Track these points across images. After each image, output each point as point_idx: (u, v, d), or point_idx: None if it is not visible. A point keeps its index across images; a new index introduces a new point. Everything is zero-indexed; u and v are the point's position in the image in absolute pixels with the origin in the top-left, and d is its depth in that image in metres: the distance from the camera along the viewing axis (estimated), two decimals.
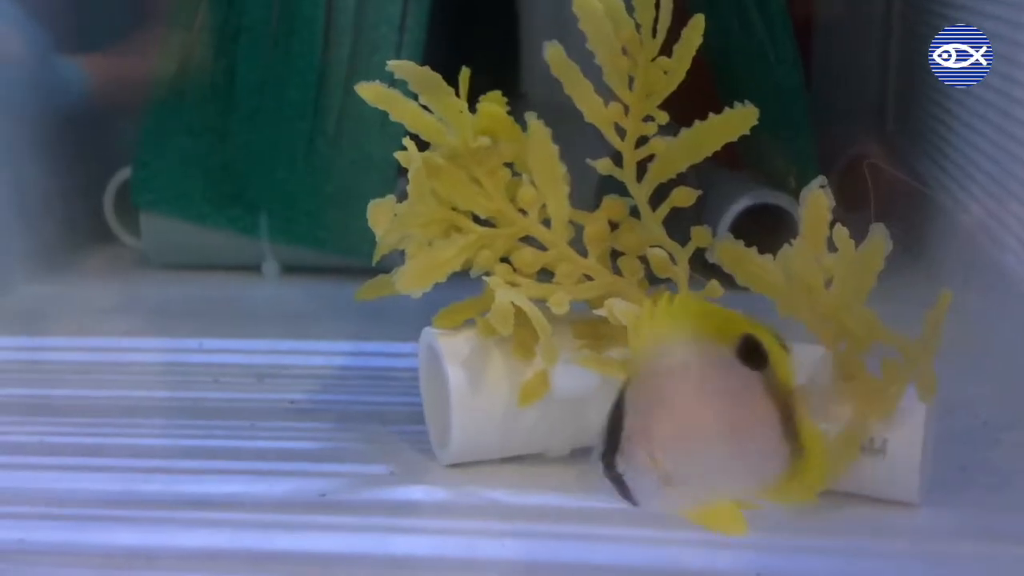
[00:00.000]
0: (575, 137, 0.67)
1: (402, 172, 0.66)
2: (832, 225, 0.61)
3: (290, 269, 1.03)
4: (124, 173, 1.07)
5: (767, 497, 0.52)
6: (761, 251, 0.65)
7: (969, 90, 0.95)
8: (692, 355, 0.51)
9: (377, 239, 0.66)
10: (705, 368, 0.51)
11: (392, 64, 0.64)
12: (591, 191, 0.75)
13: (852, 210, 0.70)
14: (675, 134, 0.66)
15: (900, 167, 1.10)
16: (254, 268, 1.03)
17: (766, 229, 0.98)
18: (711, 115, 0.65)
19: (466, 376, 0.66)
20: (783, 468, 0.51)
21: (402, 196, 0.65)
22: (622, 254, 0.67)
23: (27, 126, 1.03)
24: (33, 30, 1.01)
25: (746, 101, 0.64)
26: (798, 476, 0.51)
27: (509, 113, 0.66)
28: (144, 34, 1.07)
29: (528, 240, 0.67)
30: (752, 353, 0.51)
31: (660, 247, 0.67)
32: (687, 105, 0.66)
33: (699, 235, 0.66)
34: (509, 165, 0.67)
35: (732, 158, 0.96)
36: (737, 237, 0.65)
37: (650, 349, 0.51)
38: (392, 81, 0.65)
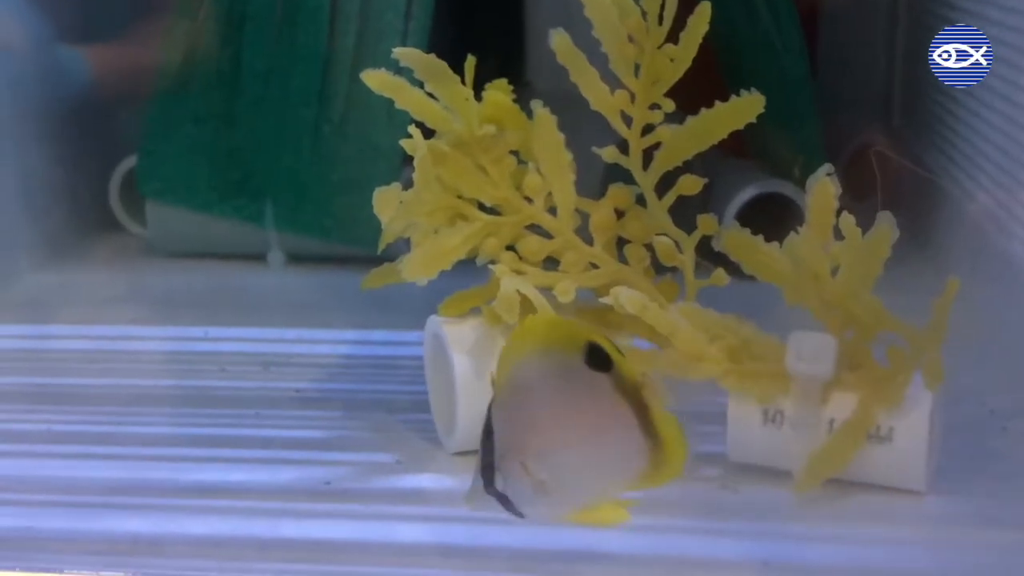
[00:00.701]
0: (581, 125, 0.67)
1: (408, 160, 0.66)
2: (839, 213, 0.61)
3: (295, 258, 1.03)
4: (129, 161, 1.07)
5: (637, 488, 0.54)
6: (767, 240, 0.65)
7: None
8: (545, 367, 0.53)
9: (383, 227, 0.66)
10: (558, 377, 0.53)
11: (398, 52, 0.64)
12: (597, 179, 0.75)
13: (858, 199, 0.70)
14: (681, 122, 0.66)
15: (906, 156, 1.10)
16: (260, 257, 1.03)
17: (772, 218, 0.98)
18: (717, 103, 0.65)
19: (472, 364, 0.66)
20: (646, 458, 0.54)
21: (408, 184, 0.65)
22: (628, 242, 0.67)
23: (32, 115, 1.03)
24: (34, 19, 1.01)
25: (752, 89, 0.64)
26: (662, 463, 0.54)
27: (515, 101, 0.66)
28: (147, 23, 1.07)
29: (534, 228, 0.67)
30: (597, 357, 0.53)
31: (666, 235, 0.67)
32: (693, 93, 0.66)
33: (705, 223, 0.66)
34: (515, 153, 0.67)
35: (738, 147, 0.96)
36: (743, 226, 0.65)
37: (508, 368, 0.53)
38: (398, 69, 0.65)
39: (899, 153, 1.10)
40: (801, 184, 0.96)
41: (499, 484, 0.52)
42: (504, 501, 0.53)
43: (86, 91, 1.06)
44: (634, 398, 0.53)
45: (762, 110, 0.64)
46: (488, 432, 0.53)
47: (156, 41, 1.04)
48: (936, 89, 1.08)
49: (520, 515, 0.53)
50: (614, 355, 0.53)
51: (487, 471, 0.53)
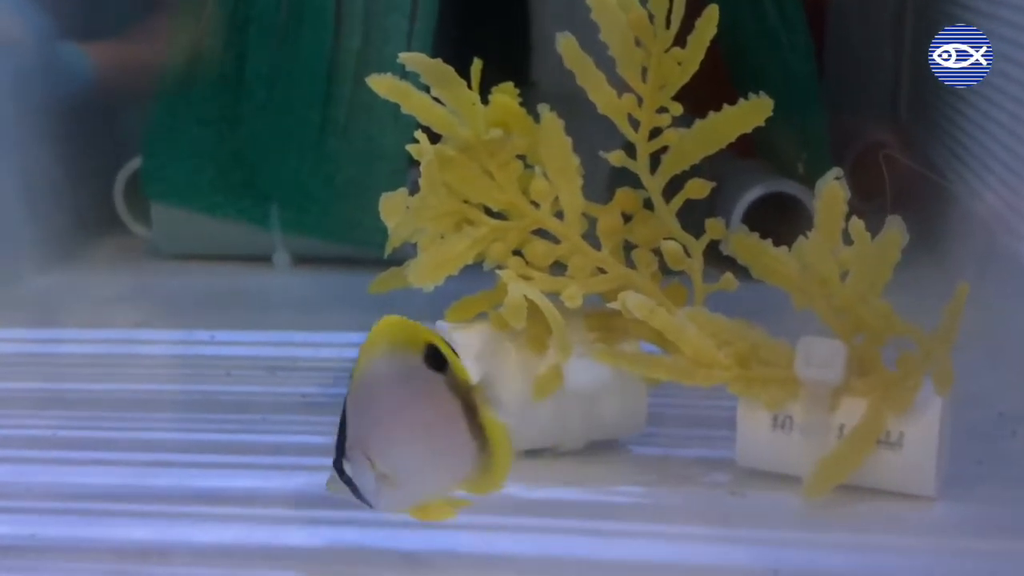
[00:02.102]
0: (587, 126, 0.67)
1: (413, 162, 0.65)
2: (847, 215, 0.61)
3: (300, 259, 1.03)
4: (134, 163, 1.07)
5: (466, 489, 0.56)
6: (774, 238, 0.64)
7: (983, 78, 0.94)
8: (391, 365, 0.55)
9: (389, 232, 0.65)
10: (401, 376, 0.55)
11: (404, 56, 0.64)
12: (602, 180, 0.75)
13: (865, 199, 0.70)
14: (688, 124, 0.65)
15: (914, 155, 1.10)
16: (265, 258, 1.03)
17: (779, 217, 0.98)
18: (725, 106, 0.64)
19: (479, 370, 0.65)
20: (474, 461, 0.55)
21: (413, 187, 0.65)
22: (635, 247, 0.67)
23: (36, 116, 1.03)
24: (36, 15, 1.01)
25: (761, 92, 0.64)
26: (488, 467, 0.56)
27: (520, 103, 0.66)
28: (151, 20, 1.06)
29: (541, 233, 0.67)
30: (435, 358, 0.55)
31: (674, 239, 0.66)
32: (698, 91, 0.66)
33: (713, 227, 0.66)
34: (522, 157, 0.66)
35: (744, 145, 0.95)
36: (749, 224, 0.65)
37: (362, 364, 0.55)
38: (403, 71, 0.65)
39: (906, 152, 1.09)
40: (807, 182, 0.97)
41: (348, 471, 0.55)
42: (354, 489, 0.56)
43: (88, 88, 1.06)
44: (466, 400, 0.55)
45: (770, 113, 0.64)
46: (342, 423, 0.56)
47: (160, 38, 1.03)
48: (943, 87, 1.07)
49: (368, 504, 0.56)
50: (449, 356, 0.55)
51: (338, 460, 0.56)
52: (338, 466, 0.56)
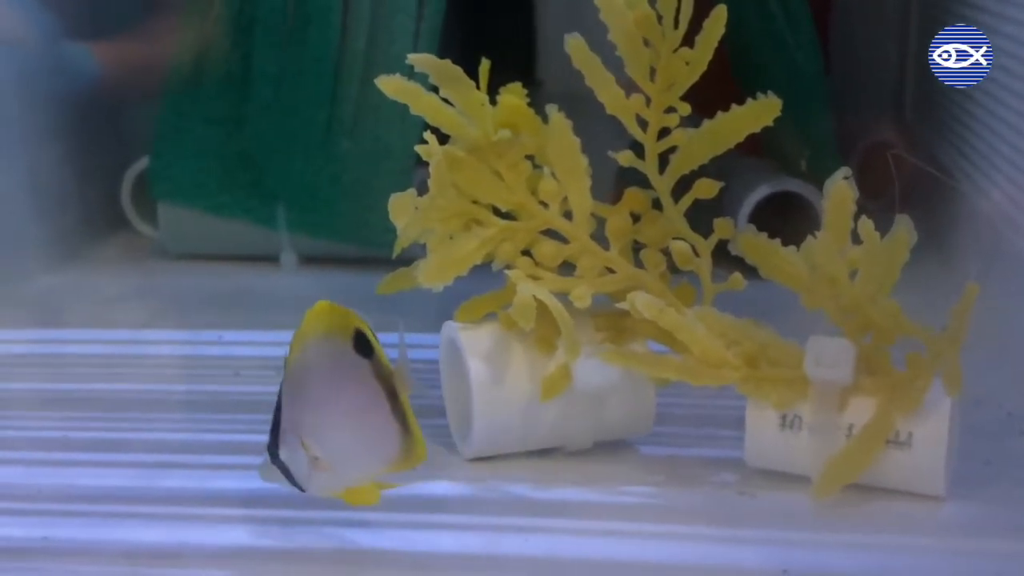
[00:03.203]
0: (593, 125, 0.67)
1: (420, 162, 0.65)
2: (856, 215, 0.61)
3: (308, 259, 1.03)
4: (141, 163, 1.07)
5: (391, 471, 0.58)
6: (781, 236, 0.64)
7: (989, 76, 0.94)
8: (323, 350, 0.57)
9: (398, 232, 0.66)
10: (332, 361, 0.57)
11: (412, 57, 0.64)
12: (610, 177, 0.75)
13: (872, 197, 0.70)
14: (696, 124, 0.65)
15: (919, 152, 1.10)
16: (272, 258, 1.03)
17: (786, 215, 0.98)
18: (734, 106, 0.64)
19: (488, 370, 0.66)
20: (398, 443, 0.58)
21: (420, 186, 0.65)
22: (644, 246, 0.67)
23: (43, 115, 1.03)
24: (41, 14, 1.01)
25: (769, 92, 0.64)
26: (409, 450, 0.58)
27: (528, 103, 0.66)
28: (158, 20, 1.07)
29: (550, 233, 0.67)
30: (362, 343, 0.58)
31: (683, 239, 0.66)
32: (705, 90, 0.66)
33: (722, 227, 0.66)
34: (530, 158, 0.66)
35: (751, 144, 0.95)
36: (756, 222, 0.65)
37: (297, 350, 0.57)
38: (411, 70, 0.65)
39: (912, 149, 1.09)
40: (814, 180, 0.97)
41: (283, 455, 0.57)
42: (287, 474, 0.57)
43: (94, 87, 1.06)
44: (387, 385, 0.58)
45: (778, 113, 0.64)
46: (277, 407, 0.57)
47: (167, 38, 1.04)
48: (949, 85, 1.07)
49: (301, 489, 0.57)
50: (374, 343, 0.58)
51: (273, 444, 0.57)
52: (273, 451, 0.57)
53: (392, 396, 0.58)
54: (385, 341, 0.84)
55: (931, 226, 0.99)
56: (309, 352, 0.57)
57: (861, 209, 0.62)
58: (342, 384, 0.57)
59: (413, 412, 0.59)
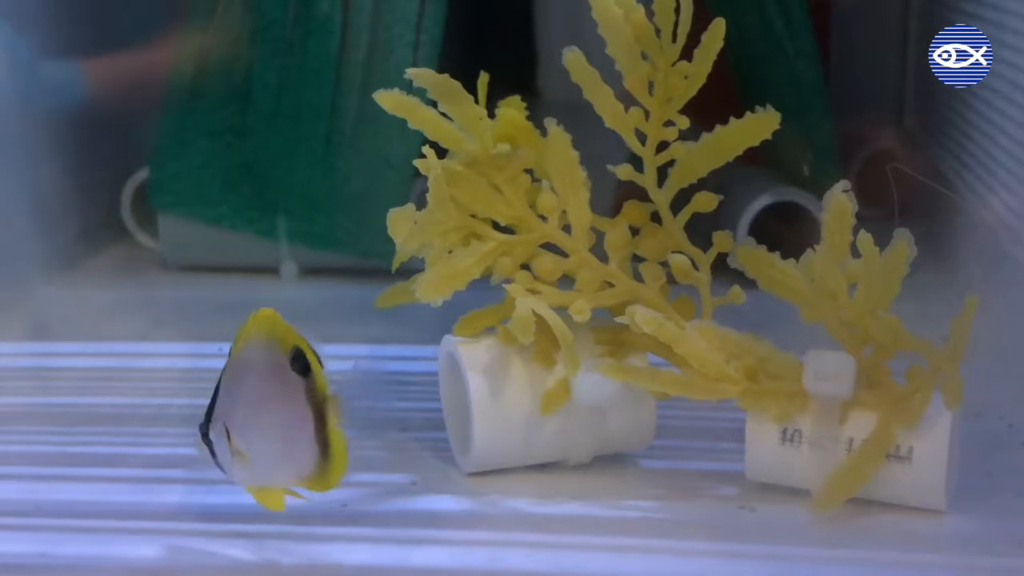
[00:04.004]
0: (592, 135, 0.67)
1: (419, 173, 0.65)
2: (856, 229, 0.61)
3: (307, 270, 1.03)
4: (142, 174, 1.07)
5: (303, 486, 0.60)
6: (781, 246, 0.64)
7: (991, 83, 0.94)
8: (266, 354, 0.59)
9: (397, 247, 0.65)
10: (267, 367, 0.59)
11: (411, 72, 0.64)
12: (608, 187, 0.75)
13: (872, 205, 0.70)
14: (695, 136, 0.65)
15: (920, 161, 1.10)
16: (272, 269, 1.03)
17: (786, 222, 0.98)
18: (732, 119, 0.64)
19: (487, 384, 0.65)
20: (313, 466, 0.60)
21: (419, 197, 0.65)
22: (643, 260, 0.67)
23: (43, 128, 1.03)
24: (14, 39, 1.00)
25: (768, 106, 0.64)
26: (323, 473, 0.60)
27: (527, 114, 0.66)
28: (157, 35, 1.07)
29: (549, 247, 0.67)
30: (300, 362, 0.60)
31: (682, 253, 0.66)
32: (705, 99, 0.66)
33: (721, 240, 0.66)
34: (529, 171, 0.66)
35: (751, 152, 0.95)
36: (756, 230, 0.65)
37: (242, 342, 0.60)
38: (410, 83, 0.65)
39: (912, 158, 1.09)
40: (815, 189, 0.97)
41: (212, 436, 0.59)
42: (212, 454, 0.60)
43: (82, 105, 1.06)
44: (318, 409, 0.60)
45: (777, 127, 0.64)
46: (216, 389, 0.60)
47: (165, 52, 1.04)
48: (949, 93, 1.07)
49: (222, 471, 0.60)
50: (314, 365, 0.60)
51: (205, 425, 0.60)
52: (203, 430, 0.60)
53: (320, 419, 0.60)
54: (388, 353, 0.86)
55: (931, 235, 0.99)
56: (253, 351, 0.59)
57: (861, 218, 0.62)
58: (273, 394, 0.59)
59: (343, 439, 0.60)
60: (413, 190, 0.97)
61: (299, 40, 0.99)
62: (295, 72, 0.99)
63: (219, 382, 0.60)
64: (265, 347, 0.59)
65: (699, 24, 0.63)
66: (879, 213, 0.69)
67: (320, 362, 0.60)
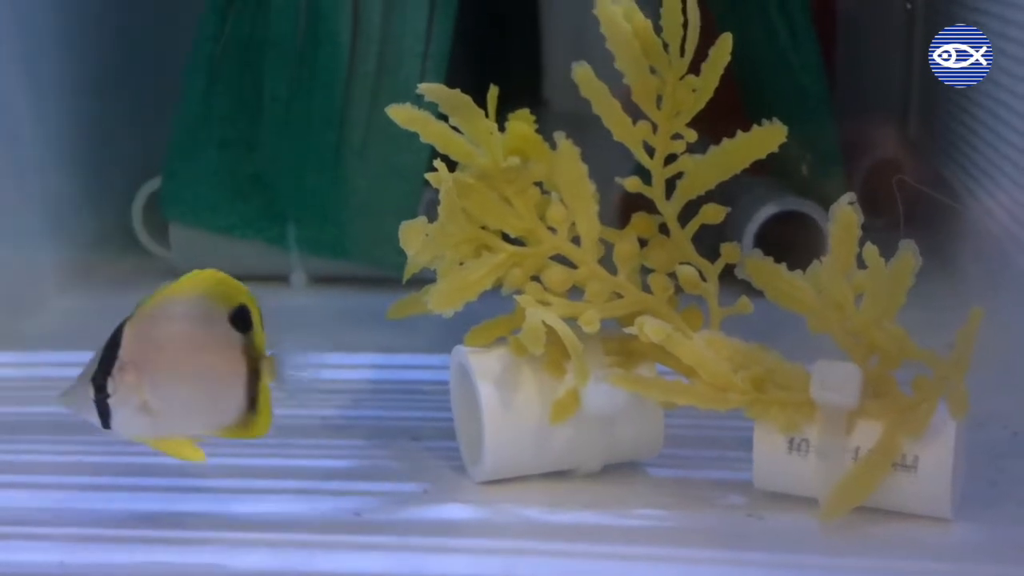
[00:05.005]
0: (599, 144, 0.68)
1: (427, 183, 0.66)
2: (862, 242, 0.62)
3: (317, 279, 1.04)
4: (153, 184, 1.08)
5: (219, 435, 0.63)
6: (787, 255, 0.65)
7: (994, 93, 0.95)
8: (192, 309, 0.62)
9: (408, 259, 0.66)
10: (199, 321, 0.62)
11: (423, 87, 0.64)
12: (614, 196, 0.76)
13: (877, 215, 0.71)
14: (703, 144, 0.66)
15: (924, 170, 1.10)
16: (282, 278, 1.04)
17: (792, 233, 0.98)
18: (739, 133, 0.65)
19: (498, 394, 0.66)
20: (239, 417, 0.62)
21: (428, 207, 0.66)
22: (652, 271, 0.68)
23: (55, 138, 1.04)
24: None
25: (774, 119, 0.64)
26: (247, 424, 0.63)
27: (535, 125, 0.67)
28: None
29: (558, 258, 0.68)
30: (242, 319, 0.62)
31: (689, 264, 0.67)
32: (712, 110, 0.66)
33: (728, 251, 0.67)
34: (538, 184, 0.67)
35: (758, 162, 0.96)
36: (763, 241, 0.65)
37: (160, 298, 0.62)
38: (419, 96, 0.65)
39: (917, 166, 1.10)
40: (820, 198, 0.97)
41: (109, 388, 0.61)
42: (101, 407, 0.61)
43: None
44: (253, 365, 0.62)
45: (784, 140, 0.65)
46: (114, 342, 0.61)
47: None
48: (955, 102, 1.08)
49: (104, 427, 0.62)
50: (257, 325, 0.63)
51: (100, 375, 0.61)
52: (98, 382, 0.61)
53: (253, 376, 0.62)
54: (398, 362, 0.87)
55: (936, 243, 0.99)
56: (176, 306, 0.61)
57: (867, 227, 0.62)
58: (203, 345, 0.61)
59: (270, 399, 0.63)
60: (421, 200, 0.98)
61: (309, 52, 1.00)
62: (305, 84, 1.00)
63: (115, 334, 0.61)
64: (198, 302, 0.61)
65: (706, 38, 0.64)
66: (884, 222, 0.70)
67: (262, 324, 0.63)
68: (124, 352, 0.61)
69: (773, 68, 1.01)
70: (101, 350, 0.61)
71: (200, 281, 0.62)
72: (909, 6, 1.17)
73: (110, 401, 0.61)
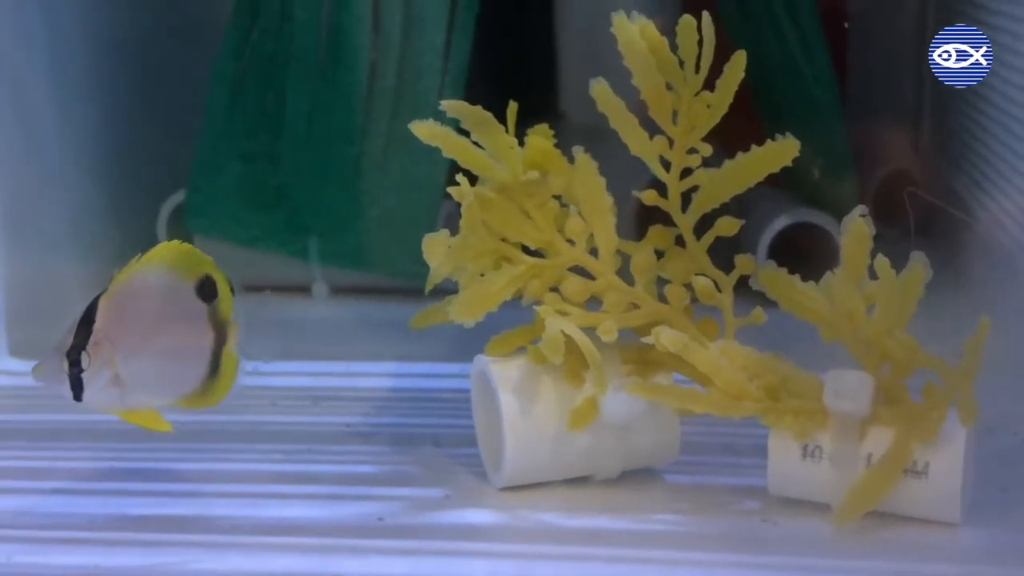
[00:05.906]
0: (615, 155, 0.69)
1: (447, 194, 0.68)
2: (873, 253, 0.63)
3: (338, 290, 1.05)
4: (177, 197, 1.09)
5: (179, 405, 0.66)
6: (799, 265, 0.66)
7: (1007, 105, 0.96)
8: (159, 281, 0.64)
9: (431, 270, 0.68)
10: (166, 293, 0.64)
11: (445, 104, 0.66)
12: (630, 207, 0.77)
13: (889, 224, 0.72)
14: (718, 160, 0.68)
15: (936, 180, 1.11)
16: (304, 289, 1.05)
17: (805, 243, 1.00)
18: (754, 147, 0.67)
19: (518, 402, 0.68)
20: (200, 384, 0.65)
21: (447, 218, 0.67)
22: (668, 282, 0.69)
23: (81, 152, 1.05)
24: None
25: (788, 133, 0.66)
26: (208, 391, 0.66)
27: (554, 138, 0.68)
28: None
29: (577, 270, 0.69)
30: (206, 289, 0.65)
31: (705, 275, 0.69)
32: (726, 121, 0.68)
33: (743, 263, 0.68)
34: (557, 197, 0.69)
35: (771, 174, 0.97)
36: (776, 251, 0.66)
37: (132, 272, 0.64)
38: (437, 109, 0.67)
39: (928, 176, 1.11)
40: (834, 209, 0.98)
41: (83, 363, 0.63)
42: (74, 381, 0.63)
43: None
44: (219, 333, 0.65)
45: (797, 154, 0.66)
46: (89, 316, 0.63)
47: None
48: (966, 112, 1.09)
49: (76, 399, 0.63)
50: (222, 290, 0.65)
51: (75, 350, 0.63)
52: (72, 356, 0.62)
53: (219, 343, 0.65)
54: (419, 370, 0.89)
55: (946, 253, 1.00)
56: (144, 280, 0.63)
57: (878, 237, 0.64)
58: (171, 318, 0.64)
59: (235, 361, 0.65)
60: (441, 211, 1.00)
61: (330, 68, 1.01)
62: (326, 98, 1.02)
63: (91, 308, 0.63)
64: (164, 274, 0.63)
65: (721, 55, 0.66)
66: (895, 232, 0.72)
67: (232, 291, 0.65)
68: (98, 327, 0.63)
69: (785, 78, 1.03)
70: (75, 324, 0.63)
71: (166, 254, 0.64)
72: None
73: (83, 375, 0.63)
